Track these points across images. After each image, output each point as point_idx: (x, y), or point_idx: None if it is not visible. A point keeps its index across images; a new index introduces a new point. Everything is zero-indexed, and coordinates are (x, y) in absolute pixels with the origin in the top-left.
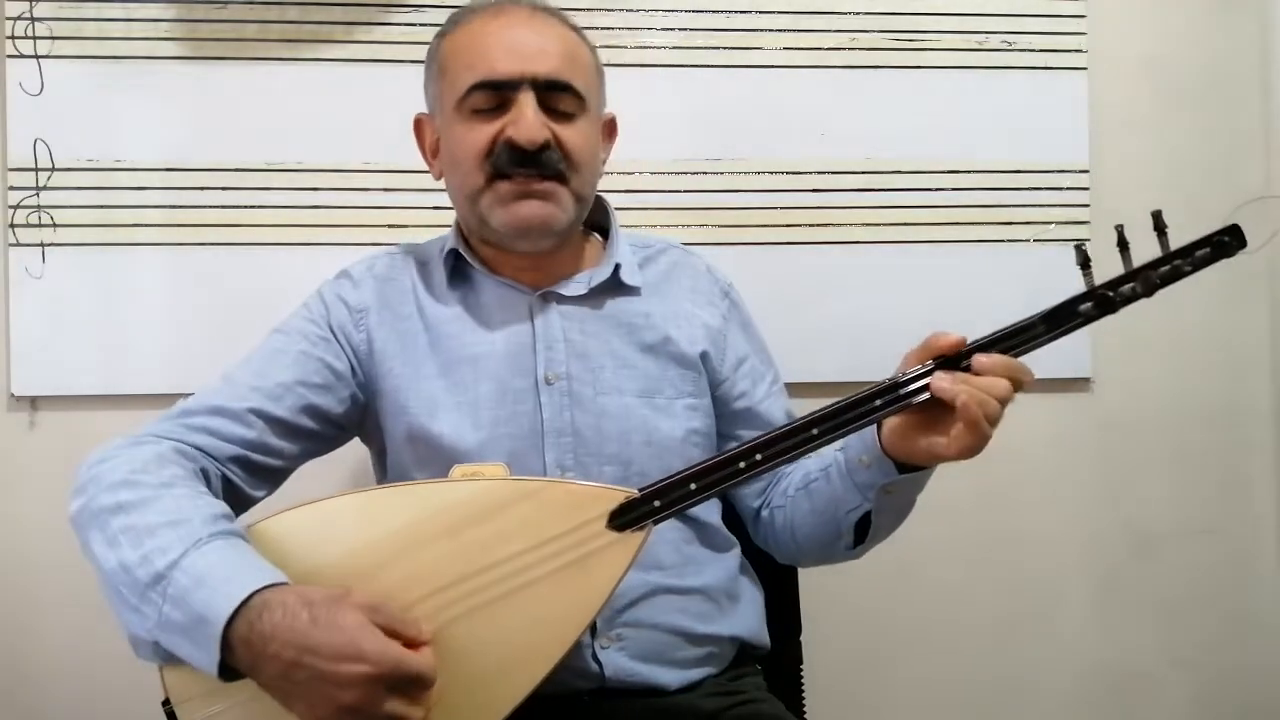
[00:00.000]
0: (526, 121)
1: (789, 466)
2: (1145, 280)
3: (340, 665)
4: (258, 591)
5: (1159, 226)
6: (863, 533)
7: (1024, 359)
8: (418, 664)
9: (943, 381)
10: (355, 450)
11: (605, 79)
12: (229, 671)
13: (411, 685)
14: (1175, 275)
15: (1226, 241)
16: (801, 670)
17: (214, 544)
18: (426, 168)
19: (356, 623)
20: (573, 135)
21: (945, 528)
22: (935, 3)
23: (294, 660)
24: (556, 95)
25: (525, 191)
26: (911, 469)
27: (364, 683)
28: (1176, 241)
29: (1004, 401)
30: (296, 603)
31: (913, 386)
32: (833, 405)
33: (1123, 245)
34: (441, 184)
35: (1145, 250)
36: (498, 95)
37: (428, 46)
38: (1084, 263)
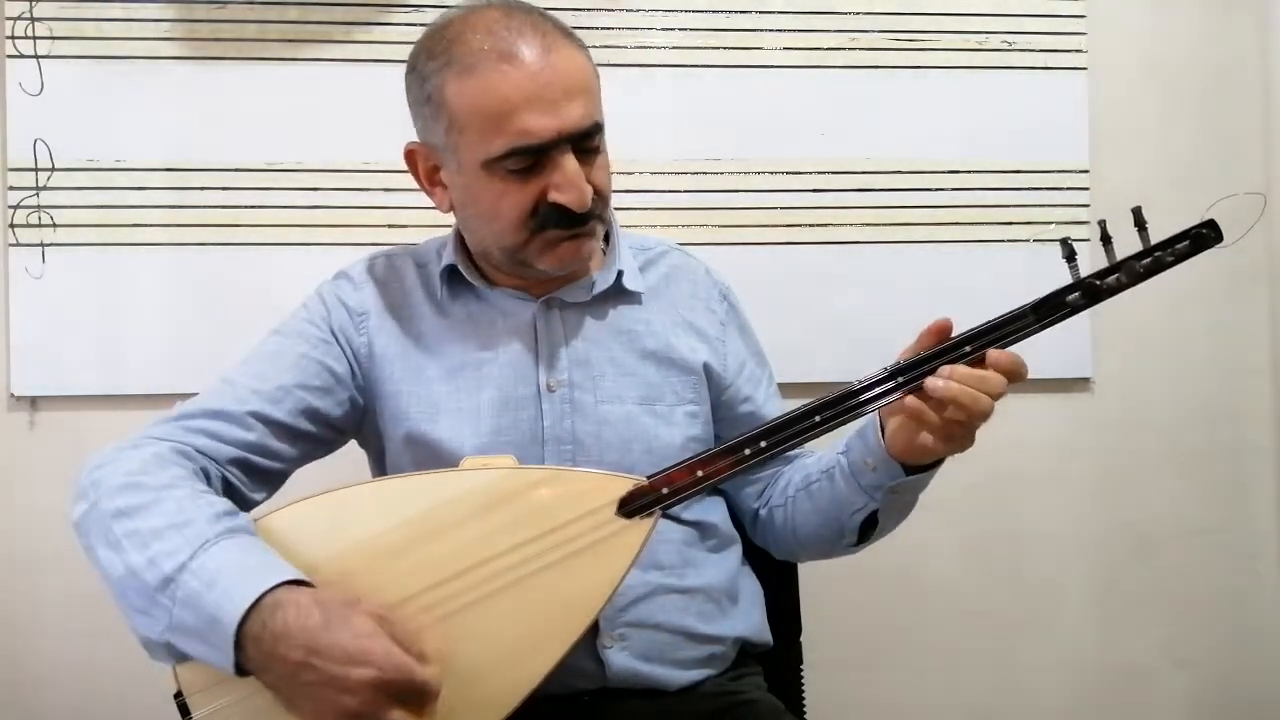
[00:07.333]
0: (576, 189)
1: (787, 465)
2: (1129, 270)
3: (349, 669)
4: (270, 590)
5: (1139, 222)
6: (866, 530)
7: (1020, 351)
8: (424, 674)
9: (936, 380)
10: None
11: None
12: (244, 669)
13: (416, 696)
14: (1158, 266)
15: (1205, 234)
16: (801, 670)
17: (221, 544)
18: None
19: (367, 629)
20: (601, 173)
21: (945, 528)
22: (935, 3)
23: (302, 661)
24: (589, 139)
25: (571, 236)
26: (915, 469)
27: (370, 688)
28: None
29: (996, 397)
30: (309, 603)
31: (906, 377)
32: (834, 394)
33: (1105, 239)
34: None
35: (1132, 246)
36: (534, 157)
37: (416, 72)
38: (1069, 255)
